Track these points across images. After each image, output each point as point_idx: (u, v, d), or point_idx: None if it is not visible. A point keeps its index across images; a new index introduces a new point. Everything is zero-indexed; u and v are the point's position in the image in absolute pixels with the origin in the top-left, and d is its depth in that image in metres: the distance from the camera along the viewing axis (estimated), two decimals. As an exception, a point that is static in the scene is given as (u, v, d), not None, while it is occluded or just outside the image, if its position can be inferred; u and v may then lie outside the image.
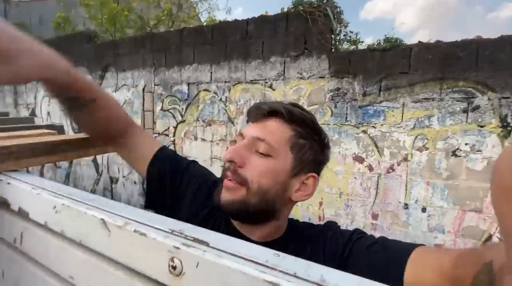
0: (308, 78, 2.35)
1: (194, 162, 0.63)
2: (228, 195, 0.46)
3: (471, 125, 1.86)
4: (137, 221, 0.32)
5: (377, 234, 1.86)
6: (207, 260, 0.26)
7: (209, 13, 6.80)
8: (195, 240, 0.28)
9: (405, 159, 2.04)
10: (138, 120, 3.28)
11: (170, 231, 0.30)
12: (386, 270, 0.41)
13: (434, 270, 0.38)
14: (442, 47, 1.92)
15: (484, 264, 0.31)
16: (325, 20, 2.25)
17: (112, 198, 3.56)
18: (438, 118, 1.95)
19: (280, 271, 0.23)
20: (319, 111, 2.31)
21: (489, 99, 1.82)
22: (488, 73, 1.81)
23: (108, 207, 0.35)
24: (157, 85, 3.16)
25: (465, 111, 1.88)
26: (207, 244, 0.27)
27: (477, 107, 1.85)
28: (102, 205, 0.35)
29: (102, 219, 0.33)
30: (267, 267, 0.24)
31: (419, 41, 2.01)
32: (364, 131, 2.17)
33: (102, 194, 3.66)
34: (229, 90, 2.72)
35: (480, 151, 1.85)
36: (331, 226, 0.51)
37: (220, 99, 2.78)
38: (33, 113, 4.40)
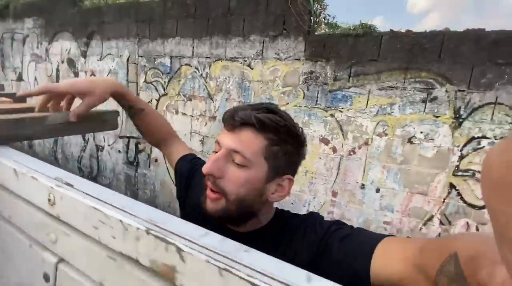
0: (284, 59, 2.40)
1: (196, 160, 0.76)
2: (211, 205, 0.51)
3: (428, 115, 1.98)
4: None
5: (335, 210, 2.10)
6: (69, 196, 0.39)
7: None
8: (66, 183, 0.41)
9: (366, 143, 2.18)
10: (122, 91, 3.34)
11: (54, 178, 0.42)
12: (353, 262, 0.43)
13: (399, 259, 0.39)
14: (411, 37, 1.97)
15: (450, 256, 0.32)
16: (304, 1, 2.26)
17: (98, 165, 3.72)
18: (399, 106, 2.05)
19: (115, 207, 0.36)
20: (293, 93, 2.40)
21: (446, 91, 1.91)
22: (449, 65, 1.89)
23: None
24: (141, 56, 3.17)
25: (424, 101, 1.98)
26: (71, 186, 0.40)
27: (435, 98, 1.95)
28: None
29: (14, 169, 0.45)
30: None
31: (391, 30, 2.05)
32: (332, 115, 2.28)
33: (88, 161, 3.81)
34: (210, 67, 2.77)
35: (433, 139, 1.98)
36: (314, 216, 0.55)
37: (201, 75, 2.83)
38: (20, 78, 4.40)
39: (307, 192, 2.45)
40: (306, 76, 2.33)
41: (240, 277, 0.23)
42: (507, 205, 0.16)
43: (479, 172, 1.89)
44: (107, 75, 3.41)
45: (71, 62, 3.75)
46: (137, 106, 0.74)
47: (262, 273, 0.23)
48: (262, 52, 2.49)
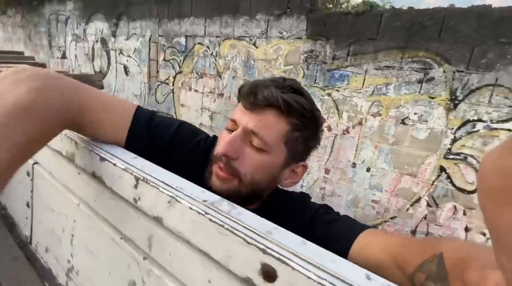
0: (287, 38, 2.47)
1: (179, 126, 0.53)
2: (219, 184, 0.46)
3: (423, 96, 1.95)
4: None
5: (326, 187, 2.25)
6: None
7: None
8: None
9: (360, 123, 2.22)
10: (145, 69, 3.66)
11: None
12: (334, 243, 0.41)
13: (380, 247, 0.40)
14: (411, 15, 1.92)
15: (434, 255, 0.32)
16: (308, -21, 2.27)
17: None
18: (395, 87, 2.04)
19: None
20: (293, 72, 2.48)
21: (444, 71, 1.86)
22: (448, 45, 1.82)
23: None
24: (161, 36, 3.42)
25: (420, 81, 1.95)
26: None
27: (432, 79, 1.91)
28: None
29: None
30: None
31: (392, 7, 2.01)
32: (329, 94, 2.33)
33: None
34: (219, 45, 2.92)
35: (426, 121, 1.96)
36: (305, 197, 0.55)
37: (211, 53, 3.00)
38: (64, 55, 4.98)
39: (302, 168, 2.57)
40: (306, 55, 2.38)
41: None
42: (504, 211, 0.15)
43: (471, 155, 1.85)
44: (133, 54, 3.75)
45: (103, 42, 4.16)
46: None
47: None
48: (267, 31, 2.57)
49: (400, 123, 2.06)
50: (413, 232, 2.10)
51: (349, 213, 2.22)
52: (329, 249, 0.31)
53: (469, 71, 1.79)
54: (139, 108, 0.49)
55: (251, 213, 0.32)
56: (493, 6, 1.70)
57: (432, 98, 1.92)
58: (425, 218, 2.06)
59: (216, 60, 2.97)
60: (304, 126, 0.47)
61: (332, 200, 2.41)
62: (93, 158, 0.41)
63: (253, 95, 0.45)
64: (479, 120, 1.80)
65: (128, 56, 3.85)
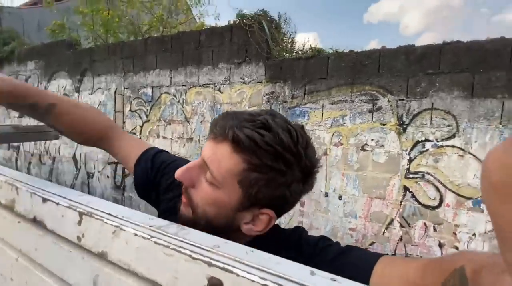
0: (249, 82, 2.66)
1: (176, 159, 0.62)
2: (183, 209, 0.45)
3: (375, 123, 2.15)
4: None
5: (304, 220, 2.22)
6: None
7: (199, 18, 7.16)
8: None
9: (325, 153, 2.33)
10: (110, 120, 3.62)
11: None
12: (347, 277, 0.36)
13: (399, 279, 0.36)
14: (352, 56, 2.22)
15: (455, 270, 0.30)
16: (261, 32, 2.57)
17: (88, 192, 3.89)
18: (350, 117, 2.24)
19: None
20: (258, 112, 2.62)
21: (388, 101, 2.10)
22: (387, 78, 2.10)
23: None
24: (126, 88, 3.49)
25: (370, 111, 2.17)
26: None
27: (380, 108, 2.14)
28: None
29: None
30: None
31: (335, 51, 2.31)
32: (293, 129, 2.46)
33: (80, 188, 3.99)
34: (186, 93, 3.04)
35: (383, 145, 2.13)
36: (298, 232, 0.49)
37: (178, 101, 3.09)
38: (21, 115, 4.77)
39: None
40: (268, 96, 2.56)
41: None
42: (506, 206, 0.15)
43: (427, 173, 2.00)
44: (98, 107, 3.72)
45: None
46: (44, 102, 0.55)
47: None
48: (229, 78, 2.76)
49: (360, 150, 2.20)
50: (393, 255, 2.10)
51: (329, 245, 2.18)
52: None
53: (408, 99, 2.04)
54: (153, 147, 0.64)
55: (200, 232, 0.32)
56: (416, 45, 2.04)
57: (384, 124, 2.12)
58: (401, 239, 2.10)
59: (183, 107, 3.06)
60: (268, 168, 0.40)
61: (312, 233, 2.37)
62: (35, 201, 0.40)
63: (214, 125, 0.43)
64: (427, 140, 2.00)
65: (93, 110, 3.80)
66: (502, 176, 0.15)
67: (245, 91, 2.69)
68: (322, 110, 2.33)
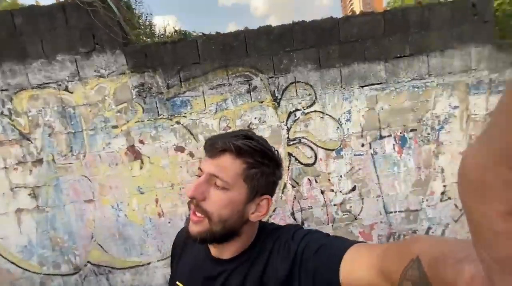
0: (108, 75, 2.18)
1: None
2: (195, 227, 0.54)
3: (255, 102, 2.28)
4: None
5: None
6: None
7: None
8: None
9: (216, 140, 2.30)
10: None
11: None
12: (325, 272, 0.46)
13: (365, 265, 0.41)
14: (220, 38, 2.19)
15: (412, 260, 0.33)
16: (109, 13, 2.10)
17: None
18: (231, 100, 2.27)
19: None
20: (129, 110, 2.22)
21: (261, 80, 2.26)
22: (256, 58, 2.23)
23: None
24: None
25: (248, 91, 2.27)
26: None
27: (255, 87, 2.27)
28: None
29: None
30: None
31: (203, 33, 2.22)
32: (178, 122, 2.26)
33: None
34: (11, 100, 2.17)
35: (265, 121, 2.31)
36: (288, 229, 0.58)
37: (2, 113, 2.18)
38: None
39: (180, 205, 2.36)
40: (138, 89, 2.20)
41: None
42: (481, 204, 0.16)
43: (302, 137, 2.35)
44: None
45: None
46: None
47: None
48: (78, 72, 2.16)
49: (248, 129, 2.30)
50: (292, 214, 2.42)
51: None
52: (323, 280, 0.43)
53: (276, 75, 2.26)
54: None
55: None
56: (273, 25, 2.23)
57: (261, 102, 2.28)
58: (294, 197, 2.42)
59: (13, 120, 2.18)
60: (259, 163, 0.55)
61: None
62: None
63: (211, 146, 0.55)
64: (296, 110, 2.31)
65: None
66: (478, 174, 0.16)
67: (105, 86, 2.19)
68: (204, 97, 2.24)
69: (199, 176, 0.56)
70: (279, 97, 2.28)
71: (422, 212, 2.44)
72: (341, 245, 0.49)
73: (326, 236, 0.54)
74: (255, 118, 2.29)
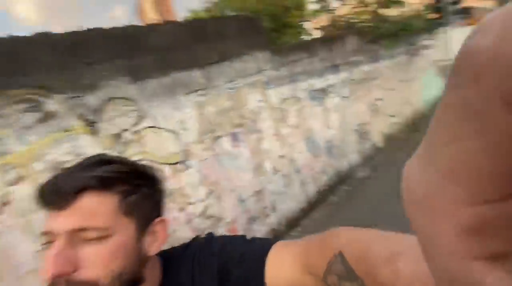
0: None
1: None
2: None
3: (57, 134, 1.69)
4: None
5: None
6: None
7: None
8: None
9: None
10: None
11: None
12: (251, 280, 0.42)
13: (289, 264, 0.40)
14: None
15: (335, 255, 0.33)
16: None
17: None
18: (16, 137, 1.55)
19: None
20: None
21: (58, 102, 1.70)
22: (42, 75, 1.64)
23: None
24: None
25: (41, 121, 1.64)
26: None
27: (51, 113, 1.68)
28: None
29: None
30: None
31: None
32: None
33: None
34: None
35: (82, 154, 1.77)
36: (199, 243, 0.50)
37: None
38: None
39: None
40: None
41: None
42: (428, 219, 0.15)
43: (142, 159, 2.04)
44: None
45: None
46: None
47: None
48: None
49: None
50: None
51: None
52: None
53: (81, 94, 1.79)
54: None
55: None
56: (56, 32, 1.72)
57: (68, 131, 1.73)
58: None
59: None
60: (135, 187, 0.44)
61: None
62: None
63: (55, 194, 0.40)
64: (123, 130, 1.96)
65: None
66: (422, 194, 0.15)
67: None
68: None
69: (50, 243, 0.40)
70: (94, 120, 1.83)
71: (265, 190, 2.88)
72: (260, 249, 0.46)
73: (243, 241, 0.49)
74: (66, 153, 1.71)
